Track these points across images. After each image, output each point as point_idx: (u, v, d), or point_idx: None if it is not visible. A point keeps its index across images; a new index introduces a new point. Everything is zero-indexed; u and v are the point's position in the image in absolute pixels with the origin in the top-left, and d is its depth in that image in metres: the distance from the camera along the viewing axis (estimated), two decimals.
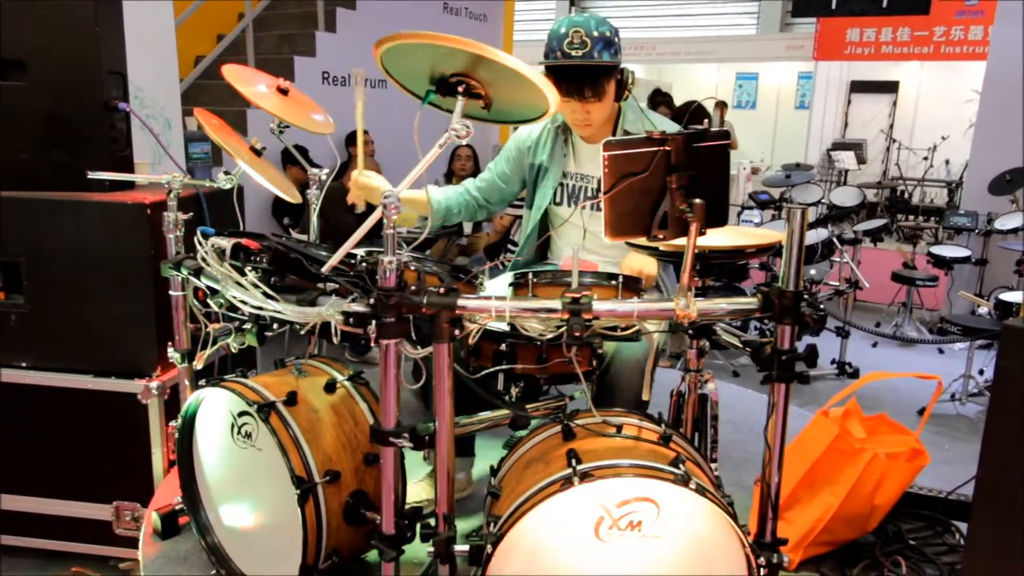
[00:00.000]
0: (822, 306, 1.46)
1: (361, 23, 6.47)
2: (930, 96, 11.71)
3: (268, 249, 1.72)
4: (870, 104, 12.13)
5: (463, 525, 2.05)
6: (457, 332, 1.43)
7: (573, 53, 2.08)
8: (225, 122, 2.07)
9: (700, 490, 1.40)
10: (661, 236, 1.42)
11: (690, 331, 1.79)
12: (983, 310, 5.08)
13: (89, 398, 2.59)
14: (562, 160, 2.39)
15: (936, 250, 5.90)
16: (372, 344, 1.44)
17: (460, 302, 1.40)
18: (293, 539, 1.67)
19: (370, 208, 2.04)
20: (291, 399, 1.76)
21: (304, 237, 2.23)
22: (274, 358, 2.03)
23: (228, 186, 2.21)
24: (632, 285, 1.72)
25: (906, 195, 10.73)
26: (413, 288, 1.42)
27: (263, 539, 1.86)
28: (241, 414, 1.78)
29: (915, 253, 6.48)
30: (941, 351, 5.82)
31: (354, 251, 1.65)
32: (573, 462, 1.45)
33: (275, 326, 1.80)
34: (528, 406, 1.86)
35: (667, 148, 1.39)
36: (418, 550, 1.58)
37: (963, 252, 5.83)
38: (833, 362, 5.26)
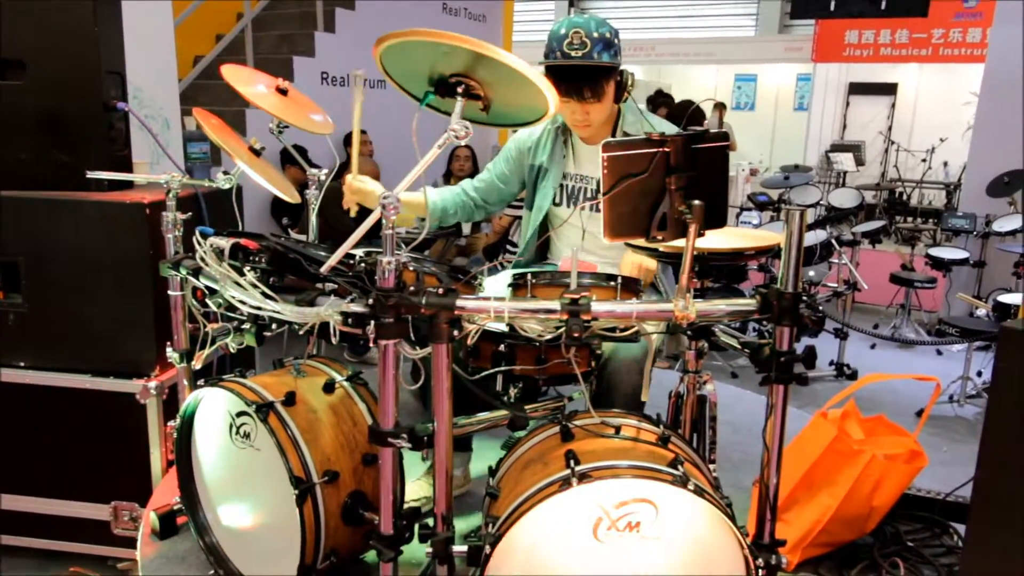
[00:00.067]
0: (820, 308, 1.46)
1: (360, 23, 6.47)
2: (928, 98, 11.72)
3: (267, 249, 1.71)
4: (869, 106, 12.14)
5: (461, 525, 2.05)
6: (456, 333, 1.44)
7: (573, 54, 2.08)
8: (224, 122, 2.06)
9: (698, 491, 1.40)
10: (660, 237, 1.43)
11: (689, 332, 1.79)
12: (981, 312, 5.08)
13: (88, 398, 2.59)
14: (562, 161, 2.39)
15: (934, 252, 5.91)
16: (371, 344, 1.44)
17: (459, 303, 1.40)
18: (291, 539, 1.66)
19: (366, 210, 2.04)
20: (290, 399, 1.76)
21: (303, 237, 2.23)
22: (273, 358, 2.03)
23: (227, 186, 2.21)
24: (631, 286, 1.72)
25: (904, 197, 10.74)
26: (412, 288, 1.42)
27: (261, 539, 1.86)
28: (239, 414, 1.78)
29: (913, 255, 6.48)
30: (939, 353, 5.82)
31: (353, 251, 1.65)
32: (571, 463, 1.45)
33: (274, 326, 1.80)
34: (527, 407, 1.86)
35: (666, 149, 1.39)
36: (416, 550, 1.58)
37: (961, 254, 5.83)
38: (831, 363, 5.26)
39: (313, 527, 1.67)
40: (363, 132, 5.85)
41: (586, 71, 2.11)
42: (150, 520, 2.13)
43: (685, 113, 5.44)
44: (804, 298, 1.41)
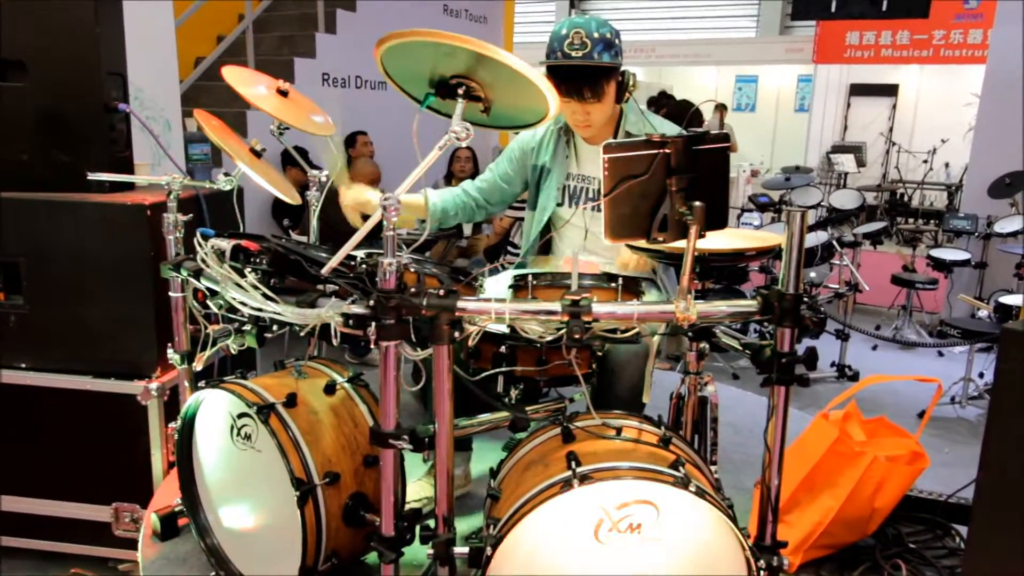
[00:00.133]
0: (822, 309, 1.46)
1: (361, 25, 6.47)
2: (930, 99, 11.73)
3: (268, 251, 1.71)
4: (870, 107, 12.14)
5: (462, 526, 2.04)
6: (457, 334, 1.43)
7: (573, 54, 2.09)
8: (225, 123, 2.06)
9: (700, 493, 1.40)
10: (661, 239, 1.43)
11: (690, 334, 1.79)
12: (983, 313, 5.08)
13: (89, 399, 2.59)
14: (565, 161, 2.40)
15: (936, 253, 5.91)
16: (372, 346, 1.44)
17: (460, 304, 1.40)
18: (292, 541, 1.66)
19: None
20: (291, 401, 1.76)
21: (304, 239, 2.23)
22: (274, 360, 2.03)
23: (228, 187, 2.21)
24: (632, 287, 1.72)
25: (906, 198, 10.73)
26: (413, 290, 1.42)
27: (262, 541, 1.86)
28: (241, 415, 1.78)
29: (915, 256, 6.48)
30: (941, 354, 5.82)
31: (354, 253, 1.65)
32: (573, 464, 1.44)
33: (275, 328, 1.79)
34: (528, 408, 1.86)
35: (667, 151, 1.39)
36: (417, 552, 1.58)
37: (963, 255, 5.83)
38: (833, 365, 5.26)
39: (314, 529, 1.67)
40: (364, 134, 5.84)
41: (586, 71, 2.12)
42: (151, 521, 2.13)
43: (682, 113, 5.44)
44: (805, 299, 1.41)
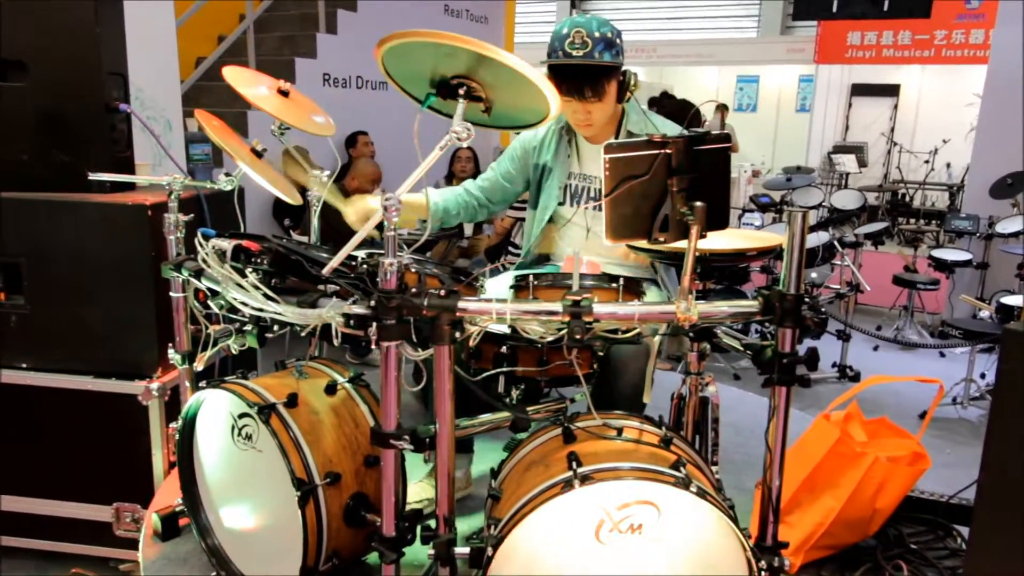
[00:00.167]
0: (823, 309, 1.46)
1: (362, 25, 6.47)
2: (931, 99, 11.73)
3: (269, 251, 1.71)
4: (871, 107, 12.14)
5: (463, 527, 2.04)
6: (458, 334, 1.43)
7: (574, 53, 2.09)
8: (226, 124, 2.06)
9: (701, 493, 1.40)
10: (662, 239, 1.42)
11: (691, 334, 1.78)
12: (984, 314, 5.07)
13: (89, 399, 2.59)
14: (566, 161, 2.40)
15: (937, 253, 5.90)
16: (373, 346, 1.44)
17: (461, 304, 1.40)
18: (293, 541, 1.66)
19: None
20: (292, 401, 1.76)
21: (305, 239, 2.23)
22: (275, 360, 2.03)
23: (229, 188, 2.21)
24: (633, 287, 1.71)
25: (907, 198, 10.73)
26: (414, 290, 1.42)
27: (263, 541, 1.86)
28: (242, 416, 1.78)
29: (916, 256, 6.48)
30: (942, 355, 5.81)
31: (355, 253, 1.65)
32: (574, 465, 1.44)
33: (276, 328, 1.79)
34: (528, 408, 1.86)
35: (668, 151, 1.39)
36: (418, 552, 1.58)
37: (964, 256, 5.82)
38: (834, 365, 5.25)
39: (315, 529, 1.67)
40: (365, 134, 5.83)
41: (587, 70, 2.12)
42: (152, 522, 2.13)
43: (680, 113, 5.42)
44: (806, 300, 1.41)
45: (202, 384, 1.89)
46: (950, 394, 4.70)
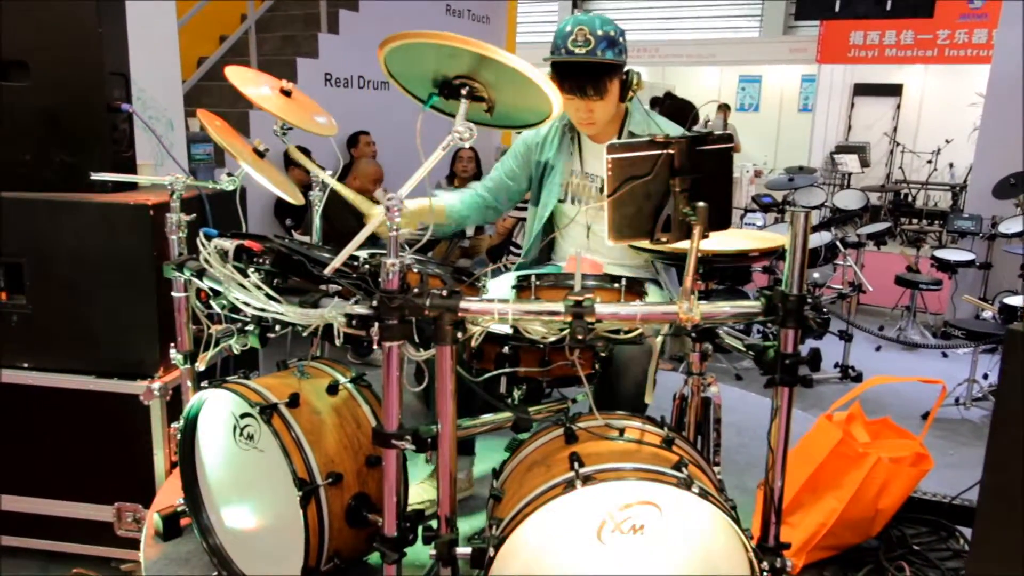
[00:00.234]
0: (825, 310, 1.45)
1: (364, 24, 6.48)
2: (934, 99, 11.71)
3: (271, 251, 1.71)
4: (874, 107, 12.13)
5: (465, 527, 2.04)
6: (460, 335, 1.43)
7: (576, 50, 2.09)
8: (228, 123, 2.06)
9: (703, 494, 1.39)
10: (664, 239, 1.42)
11: (693, 334, 1.78)
12: (987, 314, 5.06)
13: (91, 399, 2.59)
14: (568, 159, 2.40)
15: (940, 254, 5.89)
16: (375, 346, 1.44)
17: (463, 304, 1.40)
18: (295, 541, 1.66)
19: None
20: (293, 401, 1.76)
21: (306, 239, 2.23)
22: (276, 360, 2.03)
23: (231, 187, 2.21)
24: (636, 288, 1.71)
25: (910, 198, 10.73)
26: (416, 290, 1.41)
27: (265, 541, 1.86)
28: (243, 416, 1.78)
29: (919, 257, 6.46)
30: (945, 355, 5.80)
31: (357, 253, 1.65)
32: (575, 465, 1.44)
33: (277, 328, 1.79)
34: (530, 409, 1.86)
35: (671, 151, 1.39)
36: (420, 552, 1.57)
37: (967, 256, 5.81)
38: (836, 366, 5.25)
39: (317, 529, 1.67)
40: (366, 133, 5.85)
41: (589, 68, 2.12)
42: (153, 521, 2.13)
43: (679, 112, 5.42)
44: (809, 300, 1.41)
45: (204, 384, 1.90)
46: (953, 395, 4.69)
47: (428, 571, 1.80)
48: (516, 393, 1.84)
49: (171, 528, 2.11)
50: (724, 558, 1.45)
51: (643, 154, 1.39)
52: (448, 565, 1.48)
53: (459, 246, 5.69)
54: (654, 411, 1.91)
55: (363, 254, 1.78)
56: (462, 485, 2.29)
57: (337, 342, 1.52)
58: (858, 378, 5.15)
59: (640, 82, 2.22)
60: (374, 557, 1.88)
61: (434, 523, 1.51)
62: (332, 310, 1.47)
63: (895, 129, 11.90)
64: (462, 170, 6.11)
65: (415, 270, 1.69)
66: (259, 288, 1.57)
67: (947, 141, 10.57)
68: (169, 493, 2.29)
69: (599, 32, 2.09)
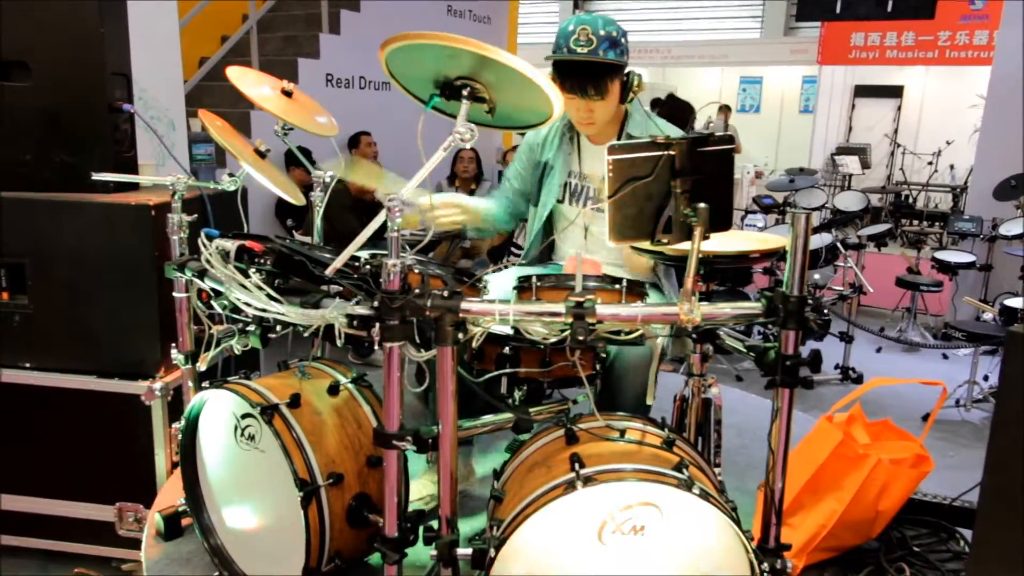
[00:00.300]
0: (826, 311, 1.45)
1: (365, 25, 6.48)
2: (935, 101, 11.71)
3: (272, 251, 1.71)
4: (874, 108, 12.12)
5: (466, 528, 2.04)
6: (461, 335, 1.43)
7: (578, 50, 2.10)
8: (229, 124, 2.07)
9: (703, 495, 1.39)
10: (665, 240, 1.42)
11: (694, 335, 1.78)
12: (988, 316, 5.05)
13: (92, 399, 2.59)
14: (568, 159, 2.40)
15: (940, 255, 5.89)
16: (376, 347, 1.44)
17: (464, 305, 1.40)
18: (296, 541, 1.66)
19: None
20: (294, 401, 1.76)
21: (308, 239, 2.23)
22: (277, 360, 2.03)
23: (232, 188, 2.21)
24: (637, 289, 1.71)
25: (910, 200, 10.72)
26: (417, 291, 1.42)
27: (266, 541, 1.86)
28: (244, 416, 1.78)
29: (919, 258, 6.46)
30: (945, 357, 5.80)
31: (358, 253, 1.65)
32: (576, 466, 1.44)
33: (278, 328, 1.79)
34: (531, 409, 1.86)
35: (671, 152, 1.39)
36: (421, 553, 1.57)
37: (968, 257, 5.81)
38: (837, 367, 5.25)
39: (318, 529, 1.67)
40: (368, 134, 5.84)
41: (590, 67, 2.12)
42: (154, 521, 2.13)
43: (676, 113, 5.41)
44: (809, 301, 1.41)
45: (205, 384, 1.90)
46: (953, 396, 4.69)
47: (429, 572, 1.79)
48: (517, 394, 1.84)
49: (172, 528, 2.12)
50: (725, 559, 1.45)
51: (644, 155, 1.39)
52: (449, 566, 1.48)
53: (460, 247, 5.69)
54: (655, 412, 1.91)
55: (364, 255, 1.79)
56: (462, 474, 2.28)
57: (338, 343, 1.53)
58: (859, 379, 5.15)
59: (641, 84, 2.22)
60: (375, 557, 1.88)
61: (435, 524, 1.51)
62: (333, 310, 1.47)
63: (896, 130, 11.90)
64: (463, 171, 6.11)
65: (416, 271, 1.69)
66: (260, 288, 1.57)
67: (948, 143, 10.57)
68: (170, 493, 2.30)
69: (601, 32, 2.10)
